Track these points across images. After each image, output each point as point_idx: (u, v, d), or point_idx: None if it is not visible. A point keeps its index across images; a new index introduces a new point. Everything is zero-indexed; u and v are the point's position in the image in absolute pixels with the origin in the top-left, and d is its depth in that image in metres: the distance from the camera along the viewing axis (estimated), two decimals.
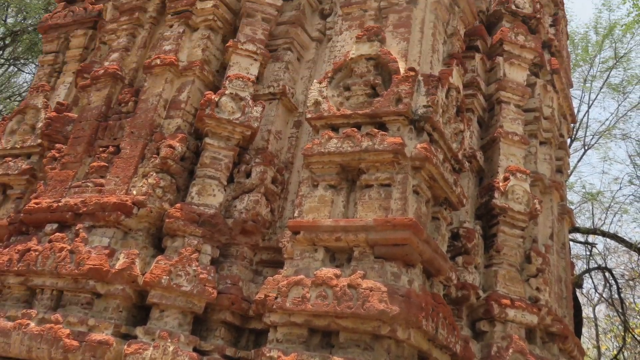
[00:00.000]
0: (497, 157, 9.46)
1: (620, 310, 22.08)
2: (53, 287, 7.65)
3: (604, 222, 23.31)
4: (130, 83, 9.34)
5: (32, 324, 7.34)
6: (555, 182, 10.19)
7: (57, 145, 9.35)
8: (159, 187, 7.81)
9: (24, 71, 25.90)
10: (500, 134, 9.48)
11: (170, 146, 8.05)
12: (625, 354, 24.68)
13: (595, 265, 22.90)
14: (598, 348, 25.86)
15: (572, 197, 24.82)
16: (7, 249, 8.18)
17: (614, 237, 21.83)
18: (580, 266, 23.42)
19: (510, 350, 8.19)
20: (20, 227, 8.50)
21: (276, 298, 6.83)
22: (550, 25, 11.37)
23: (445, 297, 7.98)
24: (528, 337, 8.68)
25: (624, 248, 22.82)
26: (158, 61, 8.77)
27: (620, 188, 24.35)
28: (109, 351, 6.89)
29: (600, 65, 25.64)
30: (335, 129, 7.57)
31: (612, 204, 23.80)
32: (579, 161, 24.66)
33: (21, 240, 8.30)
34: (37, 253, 7.77)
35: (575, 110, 23.64)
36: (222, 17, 9.30)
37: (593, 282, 24.00)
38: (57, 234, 7.91)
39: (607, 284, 22.86)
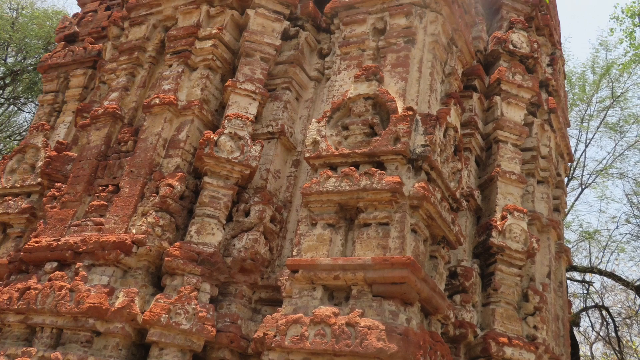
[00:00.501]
0: (495, 195, 9.50)
1: (617, 349, 22.07)
2: (53, 325, 7.64)
3: (601, 261, 23.32)
4: (129, 122, 9.38)
5: None
6: (552, 221, 10.22)
7: (57, 184, 9.38)
8: (158, 225, 7.83)
9: (23, 110, 26.02)
10: (498, 173, 9.52)
11: (170, 185, 8.08)
12: None
13: (593, 304, 22.96)
14: None
15: (570, 235, 24.83)
16: (7, 287, 8.18)
17: (611, 275, 21.87)
18: (577, 304, 23.45)
19: None
20: (20, 266, 8.50)
21: (275, 336, 6.83)
22: (548, 65, 11.46)
23: (443, 336, 7.98)
24: None
25: (621, 286, 22.87)
26: (157, 100, 8.82)
27: (617, 227, 24.39)
28: None
29: (597, 104, 25.78)
30: (333, 168, 7.62)
31: (609, 242, 23.82)
32: (576, 200, 24.71)
33: (21, 278, 8.30)
34: (37, 291, 7.77)
35: (573, 149, 23.75)
36: (221, 56, 9.36)
37: (590, 320, 24.04)
38: (57, 272, 7.92)
39: (604, 322, 22.88)
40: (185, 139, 8.70)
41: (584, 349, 25.16)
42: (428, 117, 7.53)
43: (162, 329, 7.21)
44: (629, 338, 24.80)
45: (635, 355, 24.92)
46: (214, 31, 9.31)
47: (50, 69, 12.41)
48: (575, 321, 20.08)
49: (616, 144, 25.85)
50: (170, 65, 9.42)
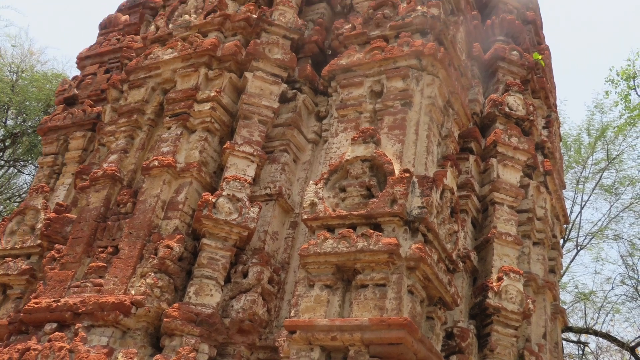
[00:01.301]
0: (491, 257, 9.54)
1: None
2: None
3: (597, 322, 23.36)
4: (128, 184, 9.44)
5: None
6: (548, 282, 10.25)
7: (57, 246, 9.40)
8: (157, 287, 7.86)
9: (23, 172, 26.16)
10: (494, 235, 9.58)
11: (168, 247, 8.12)
12: None
13: None
14: None
15: (565, 296, 24.88)
16: (7, 348, 8.16)
17: (607, 336, 21.90)
18: None
19: None
20: (20, 327, 8.50)
21: None
22: (544, 127, 11.58)
23: None
24: None
25: (616, 347, 22.84)
26: (156, 163, 8.89)
27: (612, 288, 24.48)
28: None
29: (592, 166, 26.04)
30: (331, 229, 7.68)
31: (604, 303, 23.89)
32: (571, 261, 24.81)
33: (21, 339, 8.29)
34: (36, 352, 7.75)
35: (568, 211, 23.89)
36: (219, 119, 9.46)
37: None
38: (56, 333, 7.90)
39: None
40: (183, 200, 8.76)
41: None
42: (425, 179, 7.62)
43: None
44: None
45: None
46: (213, 94, 9.42)
47: (50, 132, 12.51)
48: None
49: (611, 206, 26.04)
50: (169, 128, 9.50)
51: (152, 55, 10.22)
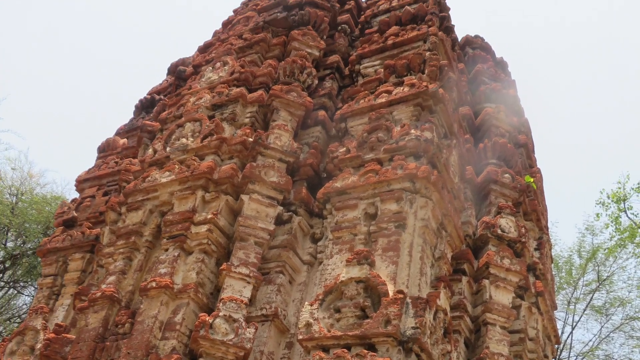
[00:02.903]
0: None
1: None
2: None
3: None
4: (126, 305, 9.53)
5: None
6: None
7: None
8: None
9: (23, 293, 26.17)
10: (487, 355, 9.61)
11: None
12: None
13: None
14: None
15: None
16: None
17: None
18: None
19: None
20: None
21: None
22: (535, 249, 11.74)
23: None
24: None
25: None
26: (154, 284, 9.00)
27: None
28: None
29: (583, 287, 26.24)
30: (326, 349, 7.76)
31: None
32: None
33: None
34: None
35: (560, 332, 23.92)
36: (216, 240, 9.61)
37: None
38: None
39: None
40: (181, 321, 8.84)
41: None
42: (418, 301, 7.75)
43: None
44: None
45: None
46: (209, 216, 9.59)
47: (49, 253, 12.64)
48: None
49: (602, 327, 26.12)
50: (167, 249, 9.64)
51: (149, 178, 10.42)
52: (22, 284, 24.96)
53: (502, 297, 10.24)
